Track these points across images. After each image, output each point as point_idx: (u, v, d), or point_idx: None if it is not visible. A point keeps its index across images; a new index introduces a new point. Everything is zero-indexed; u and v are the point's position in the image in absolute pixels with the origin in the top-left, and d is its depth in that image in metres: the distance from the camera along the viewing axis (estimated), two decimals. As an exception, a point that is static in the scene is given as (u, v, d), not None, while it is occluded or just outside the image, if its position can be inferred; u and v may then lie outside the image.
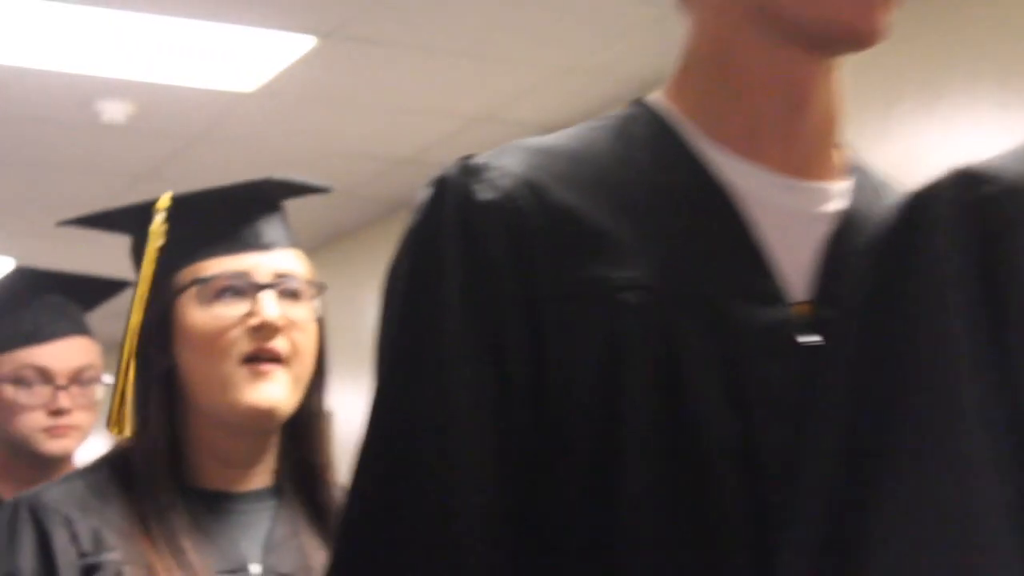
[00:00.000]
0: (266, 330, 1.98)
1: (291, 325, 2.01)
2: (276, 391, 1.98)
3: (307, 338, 2.03)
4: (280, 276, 2.03)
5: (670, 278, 1.26)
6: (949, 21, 4.46)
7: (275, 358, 1.98)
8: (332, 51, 5.46)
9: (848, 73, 1.35)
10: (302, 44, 5.42)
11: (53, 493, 1.99)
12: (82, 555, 1.94)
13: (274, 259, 2.04)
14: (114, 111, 6.08)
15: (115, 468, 2.02)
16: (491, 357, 1.24)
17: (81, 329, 2.97)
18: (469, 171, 1.30)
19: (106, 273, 3.03)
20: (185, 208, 2.08)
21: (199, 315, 2.00)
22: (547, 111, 6.01)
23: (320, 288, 2.06)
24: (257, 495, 2.05)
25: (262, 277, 2.02)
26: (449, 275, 1.26)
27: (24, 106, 6.11)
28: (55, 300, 2.96)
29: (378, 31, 5.28)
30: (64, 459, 2.94)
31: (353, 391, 6.97)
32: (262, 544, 2.02)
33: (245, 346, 1.98)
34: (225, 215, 2.06)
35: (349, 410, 7.19)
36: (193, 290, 2.01)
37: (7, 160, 6.84)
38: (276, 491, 2.07)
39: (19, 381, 2.91)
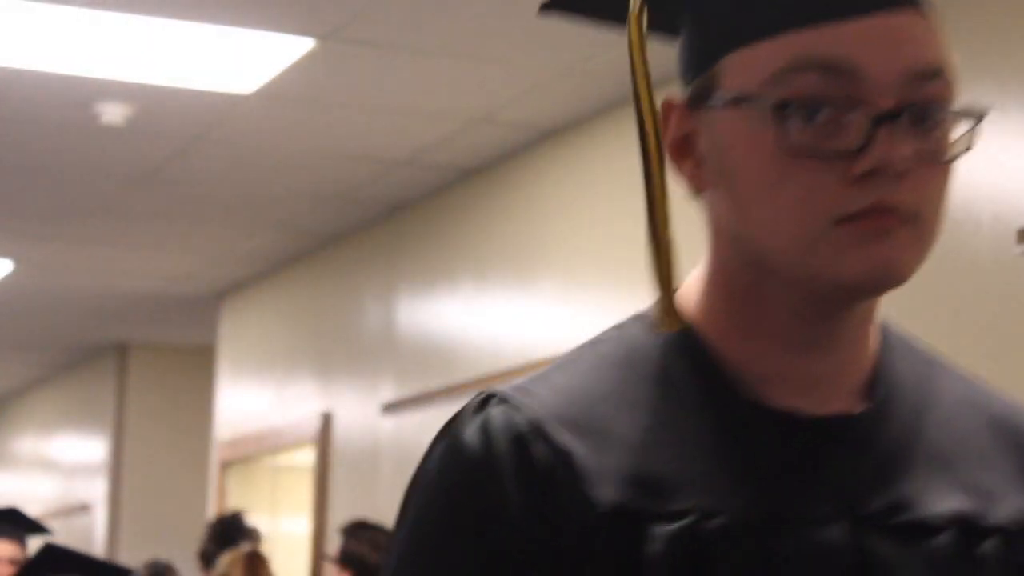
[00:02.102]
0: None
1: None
2: None
3: None
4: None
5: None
6: (948, 21, 4.45)
7: None
8: (330, 53, 5.46)
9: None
10: (300, 46, 5.42)
11: None
12: None
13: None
14: (113, 113, 6.08)
15: None
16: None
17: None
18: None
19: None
20: None
21: None
22: (546, 113, 6.01)
23: None
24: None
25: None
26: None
27: (22, 108, 6.11)
28: None
29: (376, 33, 5.28)
30: (872, 297, 1.28)
31: (352, 391, 6.96)
32: None
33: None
34: None
35: (348, 410, 7.24)
36: None
37: (5, 162, 6.84)
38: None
39: (788, 100, 1.25)
